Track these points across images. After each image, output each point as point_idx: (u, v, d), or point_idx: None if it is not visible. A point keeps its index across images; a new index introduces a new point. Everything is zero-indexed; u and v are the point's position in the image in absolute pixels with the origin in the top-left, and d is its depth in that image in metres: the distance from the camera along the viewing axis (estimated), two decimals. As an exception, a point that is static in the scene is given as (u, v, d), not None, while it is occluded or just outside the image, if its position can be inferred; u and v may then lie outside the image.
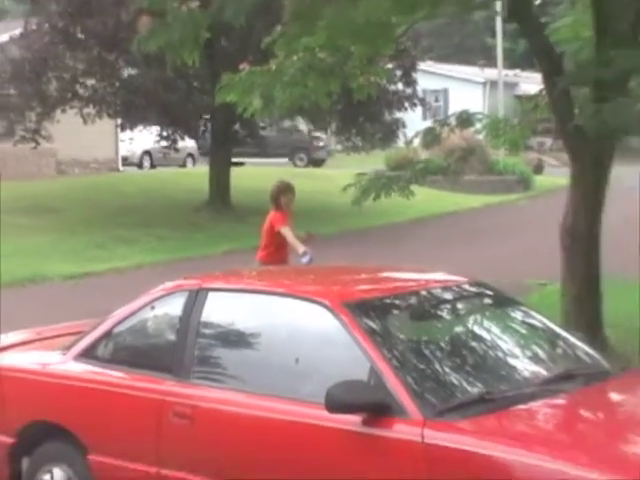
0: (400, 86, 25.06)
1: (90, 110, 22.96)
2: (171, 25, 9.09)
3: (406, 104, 25.20)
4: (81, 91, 22.85)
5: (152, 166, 35.56)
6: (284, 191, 10.61)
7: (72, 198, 24.70)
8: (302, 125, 32.53)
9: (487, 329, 5.66)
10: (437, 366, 5.08)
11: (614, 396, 5.41)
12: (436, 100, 47.43)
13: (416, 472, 4.56)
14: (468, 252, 18.58)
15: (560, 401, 5.03)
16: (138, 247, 20.05)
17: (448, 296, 5.81)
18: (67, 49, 22.28)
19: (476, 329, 5.63)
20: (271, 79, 9.96)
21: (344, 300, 5.26)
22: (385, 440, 4.69)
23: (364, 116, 24.13)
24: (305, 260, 10.05)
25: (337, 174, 27.56)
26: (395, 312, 5.44)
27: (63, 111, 22.81)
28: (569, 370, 5.37)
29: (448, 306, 5.76)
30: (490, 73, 43.94)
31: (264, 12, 13.84)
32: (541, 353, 5.53)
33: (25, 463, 6.17)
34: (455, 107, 45.50)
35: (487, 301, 5.91)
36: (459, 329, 5.60)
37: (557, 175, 32.67)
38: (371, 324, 5.12)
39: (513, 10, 10.11)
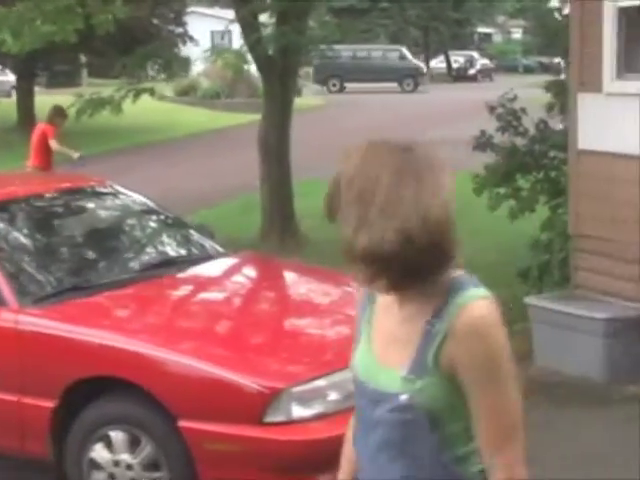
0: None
1: None
2: None
3: (178, 41, 24.19)
4: None
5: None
6: (60, 114, 10.21)
7: None
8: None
9: (100, 226, 5.11)
10: (40, 262, 4.57)
11: (208, 276, 4.99)
12: (222, 38, 46.15)
13: (11, 353, 4.14)
14: (229, 159, 18.09)
15: (151, 284, 4.57)
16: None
17: (70, 198, 5.18)
18: None
19: (88, 226, 5.07)
20: (18, 19, 9.33)
21: None
22: None
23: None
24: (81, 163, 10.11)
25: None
26: (13, 214, 4.81)
27: None
28: (170, 258, 4.95)
29: (68, 207, 5.15)
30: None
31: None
32: (146, 245, 5.04)
33: None
34: (237, 44, 44.42)
35: (108, 200, 5.30)
36: (72, 227, 5.04)
37: (309, 97, 32.53)
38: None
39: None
